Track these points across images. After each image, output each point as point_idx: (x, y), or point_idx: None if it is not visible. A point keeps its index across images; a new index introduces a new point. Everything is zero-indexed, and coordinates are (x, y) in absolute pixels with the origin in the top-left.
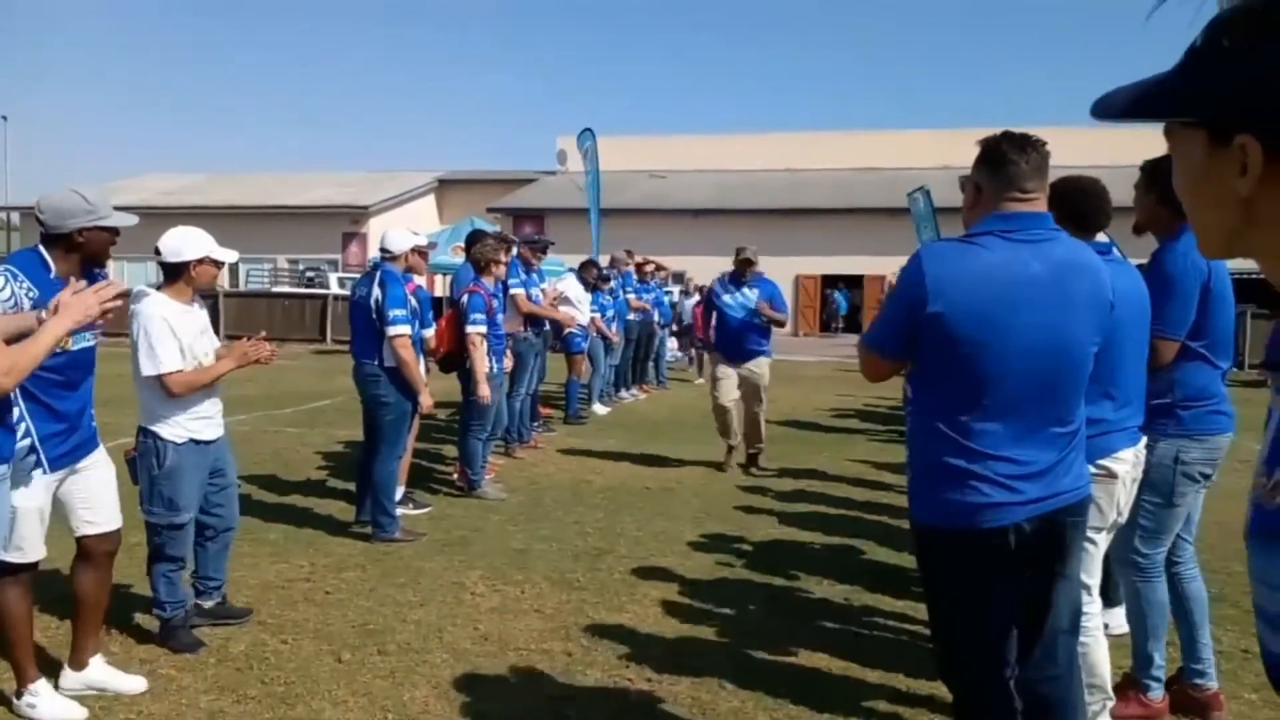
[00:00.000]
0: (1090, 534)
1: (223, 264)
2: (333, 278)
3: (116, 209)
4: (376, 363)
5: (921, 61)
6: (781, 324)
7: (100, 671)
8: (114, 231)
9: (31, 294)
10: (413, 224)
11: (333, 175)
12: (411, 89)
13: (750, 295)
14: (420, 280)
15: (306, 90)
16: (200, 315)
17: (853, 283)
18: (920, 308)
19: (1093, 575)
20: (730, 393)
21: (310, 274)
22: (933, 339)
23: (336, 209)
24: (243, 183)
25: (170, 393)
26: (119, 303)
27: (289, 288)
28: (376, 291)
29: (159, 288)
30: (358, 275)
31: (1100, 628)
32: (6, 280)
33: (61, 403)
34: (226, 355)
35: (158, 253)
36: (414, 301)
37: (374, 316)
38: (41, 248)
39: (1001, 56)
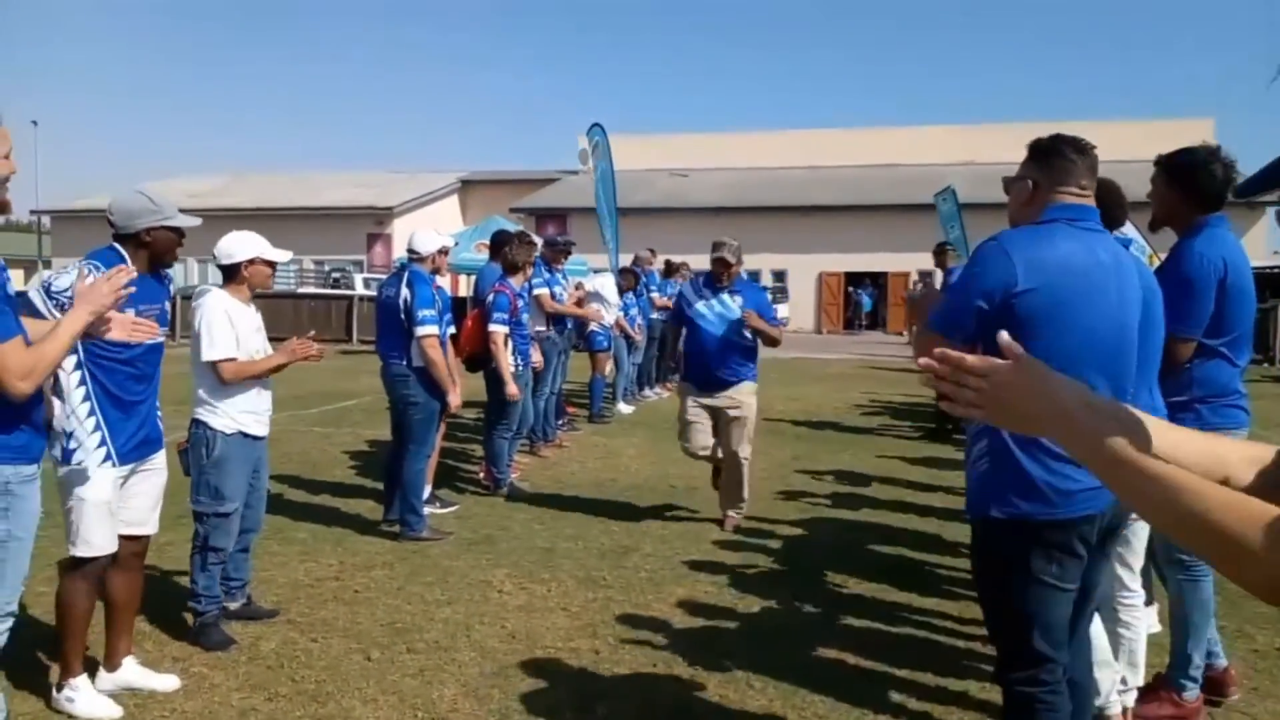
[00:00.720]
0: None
1: (275, 264)
2: (358, 278)
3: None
4: (405, 363)
5: (941, 58)
6: (776, 341)
7: (133, 672)
8: (179, 232)
9: None
10: (436, 224)
11: (356, 175)
12: (434, 89)
13: (732, 304)
14: (443, 281)
15: (329, 91)
16: (256, 316)
17: (875, 279)
18: (1007, 290)
19: (1139, 557)
20: (703, 439)
21: (336, 275)
22: (1015, 321)
23: (361, 210)
24: (268, 184)
25: (222, 379)
26: (132, 289)
27: (315, 289)
28: (405, 292)
29: (221, 286)
30: (382, 276)
31: (1142, 610)
32: (91, 271)
33: (133, 395)
34: (278, 351)
35: (215, 257)
36: (439, 298)
37: (402, 317)
38: (117, 245)
39: (1020, 53)
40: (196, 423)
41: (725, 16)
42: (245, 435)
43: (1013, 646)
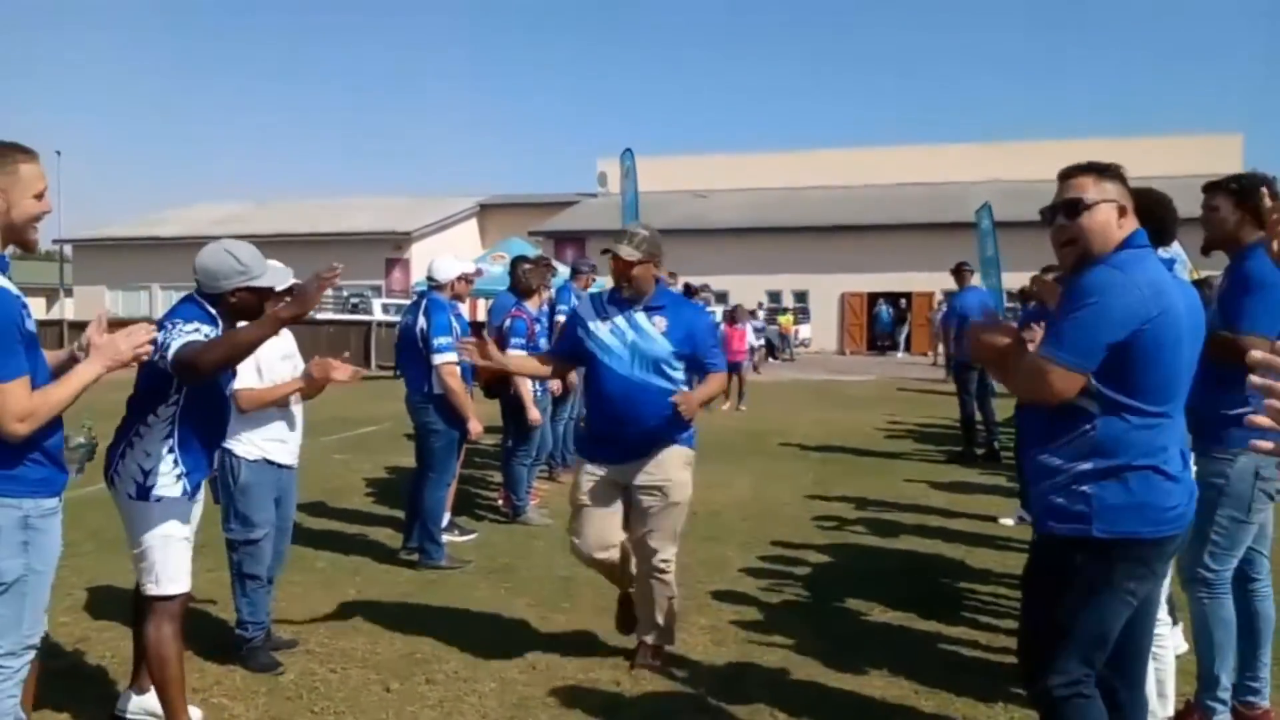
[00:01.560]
0: None
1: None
2: (376, 304)
3: (179, 237)
4: (425, 390)
5: (963, 75)
6: (711, 397)
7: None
8: (265, 292)
9: (215, 328)
10: (455, 249)
11: (375, 199)
12: (452, 114)
13: (651, 329)
14: (462, 307)
15: (348, 117)
16: (283, 342)
17: (899, 299)
18: (1140, 320)
19: (1167, 581)
20: (603, 534)
21: (354, 300)
22: (1138, 350)
23: (379, 235)
24: (288, 210)
25: (239, 407)
26: (149, 348)
27: (333, 314)
28: (422, 320)
29: None
30: (401, 301)
31: (1170, 635)
32: (197, 326)
33: (209, 428)
34: (296, 378)
35: None
36: (457, 326)
37: (420, 345)
38: (198, 298)
39: (1044, 70)
40: (223, 450)
41: (744, 38)
42: (270, 462)
43: (1064, 656)
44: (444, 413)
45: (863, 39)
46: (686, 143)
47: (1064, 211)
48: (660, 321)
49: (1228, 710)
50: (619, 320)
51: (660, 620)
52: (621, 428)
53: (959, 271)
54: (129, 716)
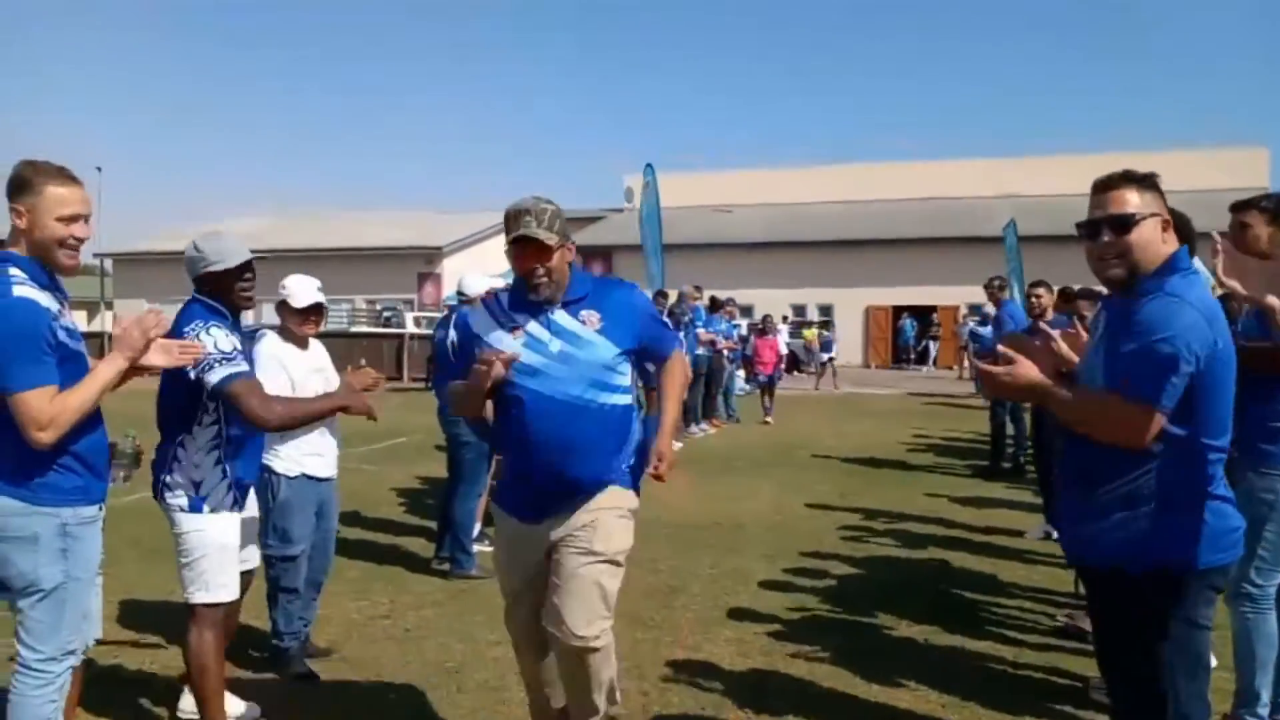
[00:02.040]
0: None
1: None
2: (408, 317)
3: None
4: None
5: (984, 90)
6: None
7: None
8: (233, 274)
9: (235, 334)
10: (485, 263)
11: (406, 214)
12: (481, 129)
13: (583, 331)
14: None
15: (380, 131)
16: (314, 355)
17: (924, 312)
18: (1210, 349)
19: None
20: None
21: (387, 314)
22: (1208, 378)
23: (411, 250)
24: (319, 224)
25: (269, 426)
26: (163, 329)
27: (367, 327)
28: (452, 334)
29: (277, 329)
30: (433, 314)
31: None
32: (223, 331)
33: (252, 440)
34: (329, 396)
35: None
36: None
37: (451, 358)
38: (197, 295)
39: (1065, 84)
40: (261, 466)
41: (768, 55)
42: (309, 477)
43: (1182, 701)
44: (475, 425)
45: (885, 55)
46: (710, 158)
47: (1111, 227)
48: (591, 317)
49: None
50: (534, 328)
51: (601, 703)
52: (560, 469)
53: (997, 286)
54: (183, 716)
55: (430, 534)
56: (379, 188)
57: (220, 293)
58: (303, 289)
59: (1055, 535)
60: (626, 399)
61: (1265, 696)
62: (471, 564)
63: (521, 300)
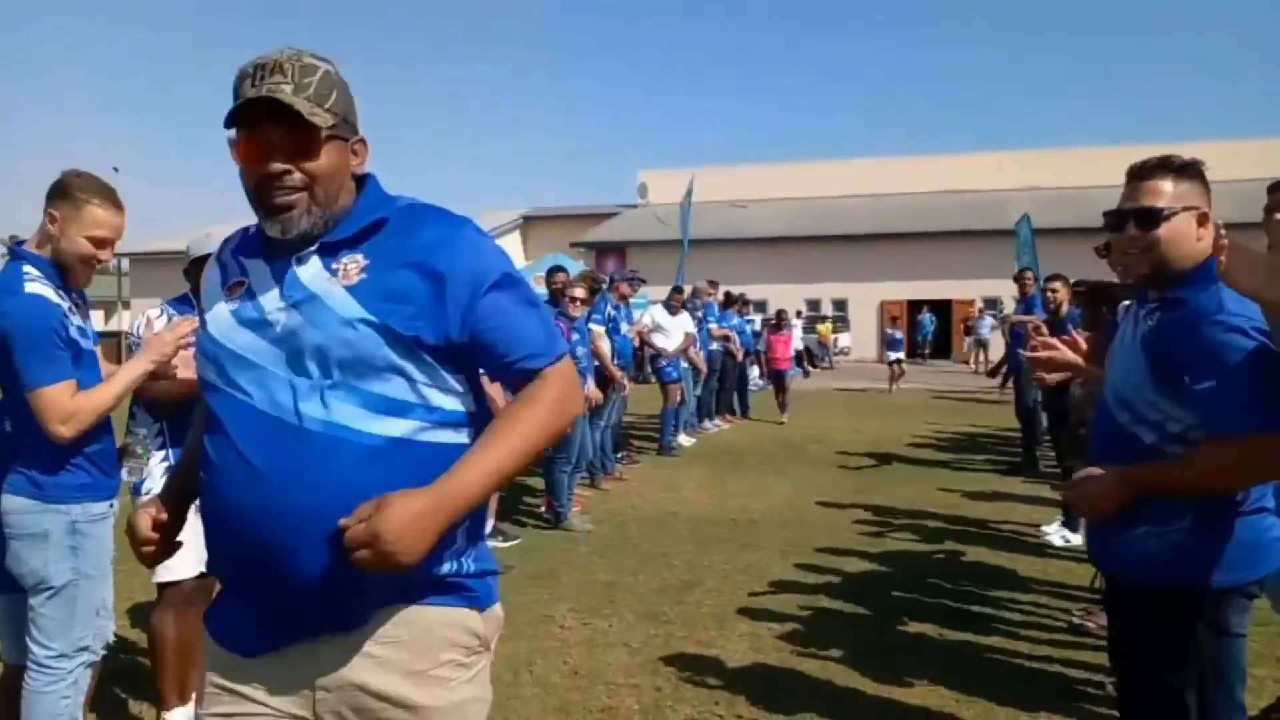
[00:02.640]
0: None
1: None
2: None
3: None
4: None
5: (1002, 82)
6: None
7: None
8: (200, 264)
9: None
10: None
11: None
12: (495, 128)
13: (334, 290)
14: None
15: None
16: None
17: (940, 306)
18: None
19: None
20: None
21: None
22: None
23: None
24: None
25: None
26: (192, 338)
27: None
28: None
29: None
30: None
31: None
32: (164, 314)
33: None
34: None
35: None
36: None
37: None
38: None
39: (1084, 75)
40: None
41: (781, 50)
42: None
43: (1205, 707)
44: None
45: (899, 49)
46: (725, 153)
47: (1136, 220)
48: (352, 266)
49: None
50: (260, 283)
51: None
52: (278, 557)
53: (1022, 278)
54: None
55: None
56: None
57: (195, 285)
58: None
59: (1071, 540)
60: (450, 434)
61: None
62: None
63: (263, 242)
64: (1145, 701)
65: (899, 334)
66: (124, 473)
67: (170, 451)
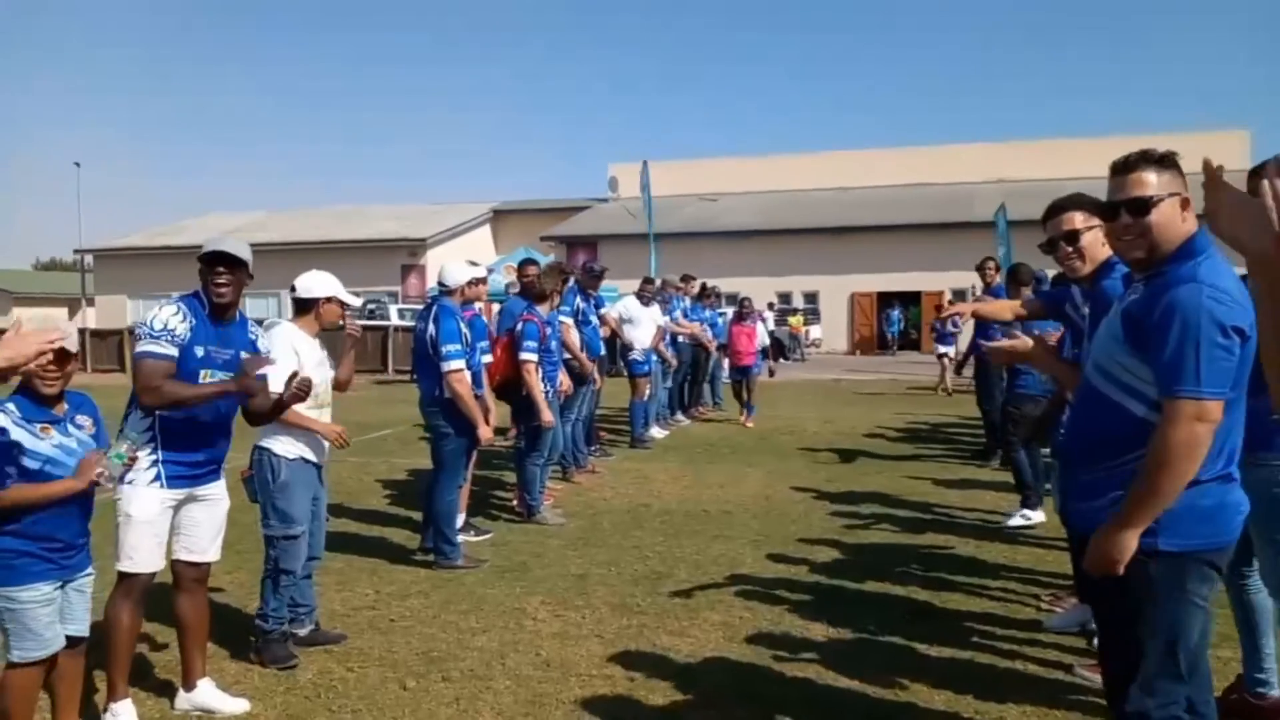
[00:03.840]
0: None
1: (348, 306)
2: (393, 309)
3: (196, 246)
4: (435, 395)
5: (968, 75)
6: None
7: (207, 693)
8: (211, 264)
9: (189, 321)
10: (469, 254)
11: (390, 208)
12: (465, 122)
13: None
14: (478, 307)
15: (360, 125)
16: (321, 350)
17: (909, 299)
18: (1246, 333)
19: None
20: None
21: (371, 306)
22: (1244, 364)
23: (395, 242)
24: (302, 219)
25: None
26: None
27: (352, 319)
28: (431, 327)
29: (291, 319)
30: (417, 306)
31: None
32: (178, 309)
33: (197, 427)
34: (221, 381)
35: (293, 289)
36: (466, 331)
37: (430, 351)
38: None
39: (1048, 68)
40: (261, 449)
41: (751, 43)
42: (306, 461)
43: (1158, 676)
44: (453, 418)
45: (870, 41)
46: (696, 147)
47: (1129, 210)
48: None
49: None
50: None
51: None
52: None
53: (984, 267)
54: (178, 711)
55: (414, 525)
56: (363, 183)
57: (206, 282)
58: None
59: (1032, 518)
60: None
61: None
62: (456, 554)
63: None
64: (1117, 668)
65: (951, 326)
66: (103, 472)
67: (159, 447)
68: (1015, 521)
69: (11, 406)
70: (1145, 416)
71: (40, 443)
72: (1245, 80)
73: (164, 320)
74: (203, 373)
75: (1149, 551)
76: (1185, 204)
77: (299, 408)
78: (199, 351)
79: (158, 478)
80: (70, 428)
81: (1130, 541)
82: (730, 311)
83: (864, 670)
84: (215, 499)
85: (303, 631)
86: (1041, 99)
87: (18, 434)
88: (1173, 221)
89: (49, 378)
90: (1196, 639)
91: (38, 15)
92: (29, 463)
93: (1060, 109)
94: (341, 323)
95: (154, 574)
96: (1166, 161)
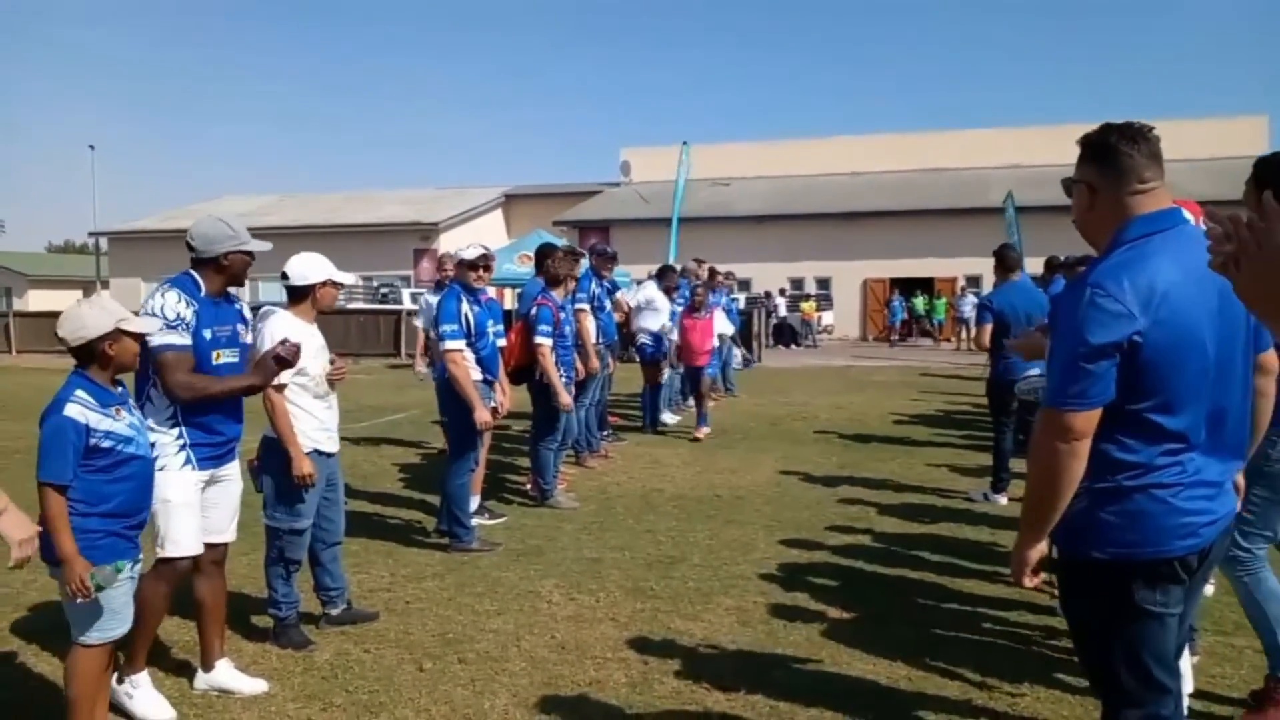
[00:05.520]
0: None
1: (342, 285)
2: (405, 293)
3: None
4: (444, 375)
5: (985, 59)
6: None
7: (226, 674)
8: (251, 255)
9: (193, 305)
10: (481, 238)
11: (403, 193)
12: (477, 107)
13: None
14: (491, 291)
15: (374, 110)
16: (318, 335)
17: (923, 285)
18: (1125, 335)
19: None
20: None
21: (384, 290)
22: (1137, 367)
23: (407, 226)
24: (315, 203)
25: (265, 399)
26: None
27: (363, 304)
28: (435, 305)
29: (286, 307)
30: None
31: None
32: (180, 296)
33: (213, 405)
34: (245, 375)
35: (284, 276)
36: (469, 313)
37: (433, 330)
38: (192, 270)
39: (1066, 53)
40: (272, 442)
41: (764, 28)
42: (320, 453)
43: (1129, 685)
44: (453, 399)
45: (882, 26)
46: (708, 131)
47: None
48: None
49: None
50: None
51: None
52: None
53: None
54: (197, 690)
55: (429, 508)
56: (378, 169)
57: (231, 270)
58: (258, 243)
59: (996, 499)
60: None
61: None
62: (471, 537)
63: None
64: (1090, 669)
65: (735, 301)
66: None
67: (184, 430)
68: (977, 497)
69: (83, 394)
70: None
71: (117, 424)
72: (1263, 65)
73: (174, 308)
74: (214, 353)
75: (1083, 560)
76: (1091, 190)
77: (296, 413)
78: (207, 334)
79: (188, 461)
80: (131, 404)
81: (1024, 553)
82: (743, 298)
83: (877, 655)
84: (232, 478)
85: (335, 611)
86: (1056, 83)
87: (97, 420)
88: (1077, 210)
89: (132, 366)
90: (1160, 647)
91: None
92: (107, 443)
93: (1075, 94)
94: (335, 305)
95: (194, 559)
96: (1083, 147)
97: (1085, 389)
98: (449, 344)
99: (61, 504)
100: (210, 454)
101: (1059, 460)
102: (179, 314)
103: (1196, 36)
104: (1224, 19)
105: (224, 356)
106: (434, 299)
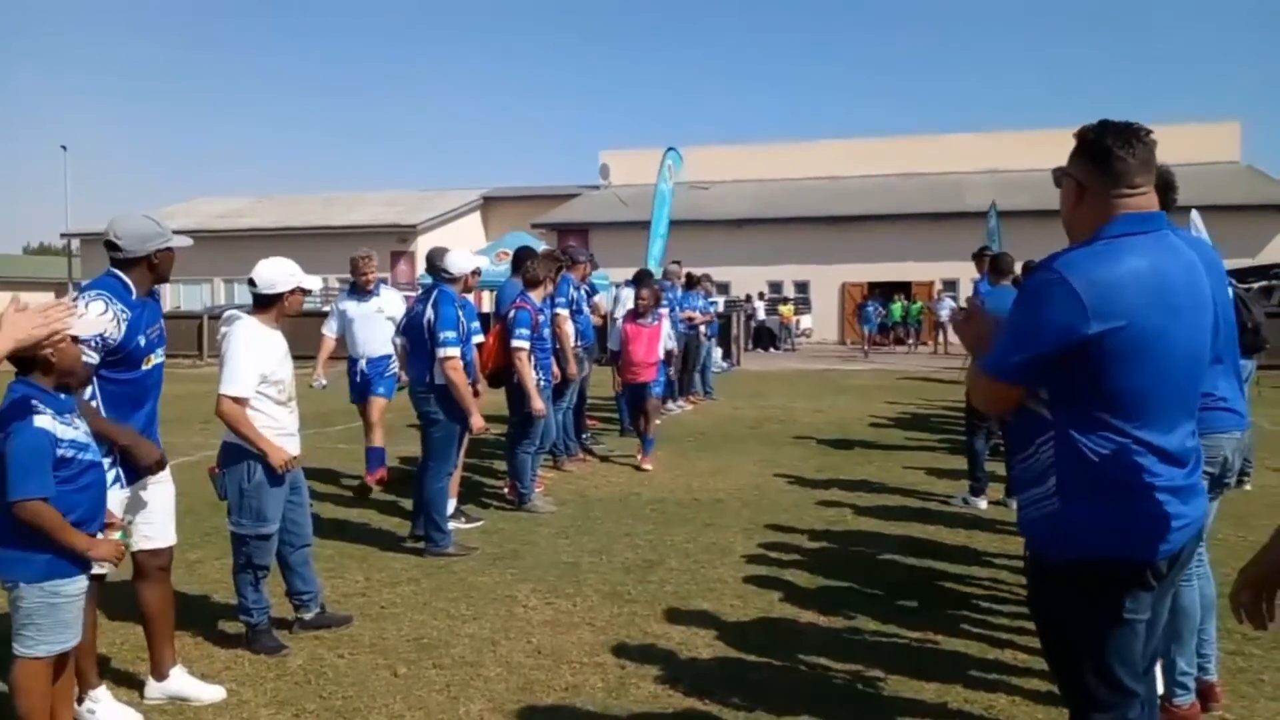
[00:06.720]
0: None
1: (310, 292)
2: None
3: (175, 232)
4: (427, 380)
5: (962, 65)
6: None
7: (181, 682)
8: (172, 254)
9: (124, 314)
10: (459, 241)
11: (380, 194)
12: (455, 109)
13: None
14: (469, 295)
15: (350, 112)
16: (282, 341)
17: (901, 289)
18: (1076, 327)
19: None
20: None
21: None
22: (1097, 359)
23: (384, 228)
24: (291, 204)
25: (219, 409)
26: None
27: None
28: (430, 312)
29: (251, 312)
30: (408, 293)
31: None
32: (107, 304)
33: (133, 419)
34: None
35: (252, 284)
36: (463, 318)
37: (426, 336)
38: (117, 271)
39: (1042, 58)
40: (233, 447)
41: (743, 31)
42: None
43: (1094, 687)
44: (445, 404)
45: (862, 31)
46: (687, 134)
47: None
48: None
49: (1190, 693)
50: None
51: None
52: None
53: (981, 257)
54: (150, 701)
55: (404, 512)
56: (355, 171)
57: (159, 267)
58: (294, 274)
59: (976, 504)
60: None
61: (1184, 665)
62: (447, 541)
63: None
64: (1059, 678)
65: (700, 300)
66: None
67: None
68: (957, 501)
69: (41, 404)
70: (1024, 401)
71: (76, 432)
72: (1237, 72)
73: (98, 325)
74: (146, 359)
75: (1053, 563)
76: (1080, 187)
77: (257, 418)
78: (141, 340)
79: (117, 479)
80: (80, 412)
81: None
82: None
83: (854, 658)
84: (163, 481)
85: (309, 616)
86: (1033, 89)
87: (61, 430)
88: (1064, 203)
89: (76, 370)
90: (1127, 652)
91: None
92: (70, 452)
93: (1052, 99)
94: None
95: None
96: (1080, 143)
97: (1021, 363)
98: (450, 350)
99: (55, 513)
100: (135, 469)
101: (980, 396)
102: (100, 334)
103: (1172, 43)
104: (1199, 25)
105: (153, 360)
106: (356, 304)
